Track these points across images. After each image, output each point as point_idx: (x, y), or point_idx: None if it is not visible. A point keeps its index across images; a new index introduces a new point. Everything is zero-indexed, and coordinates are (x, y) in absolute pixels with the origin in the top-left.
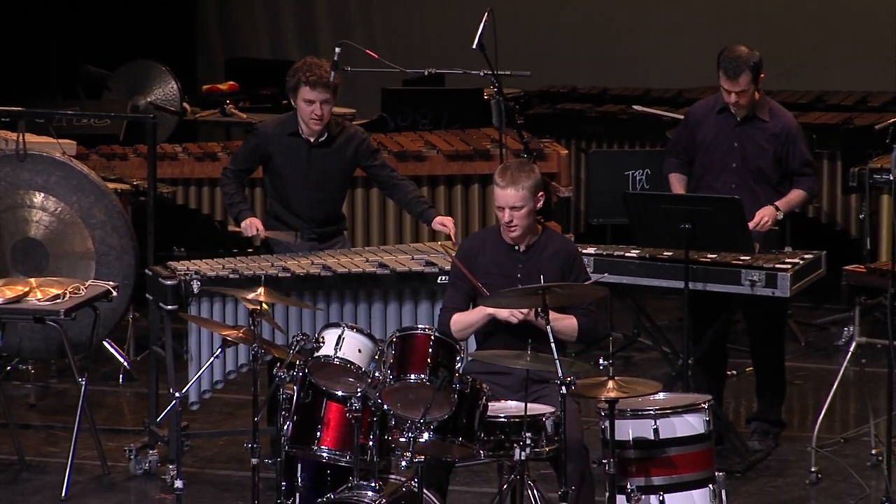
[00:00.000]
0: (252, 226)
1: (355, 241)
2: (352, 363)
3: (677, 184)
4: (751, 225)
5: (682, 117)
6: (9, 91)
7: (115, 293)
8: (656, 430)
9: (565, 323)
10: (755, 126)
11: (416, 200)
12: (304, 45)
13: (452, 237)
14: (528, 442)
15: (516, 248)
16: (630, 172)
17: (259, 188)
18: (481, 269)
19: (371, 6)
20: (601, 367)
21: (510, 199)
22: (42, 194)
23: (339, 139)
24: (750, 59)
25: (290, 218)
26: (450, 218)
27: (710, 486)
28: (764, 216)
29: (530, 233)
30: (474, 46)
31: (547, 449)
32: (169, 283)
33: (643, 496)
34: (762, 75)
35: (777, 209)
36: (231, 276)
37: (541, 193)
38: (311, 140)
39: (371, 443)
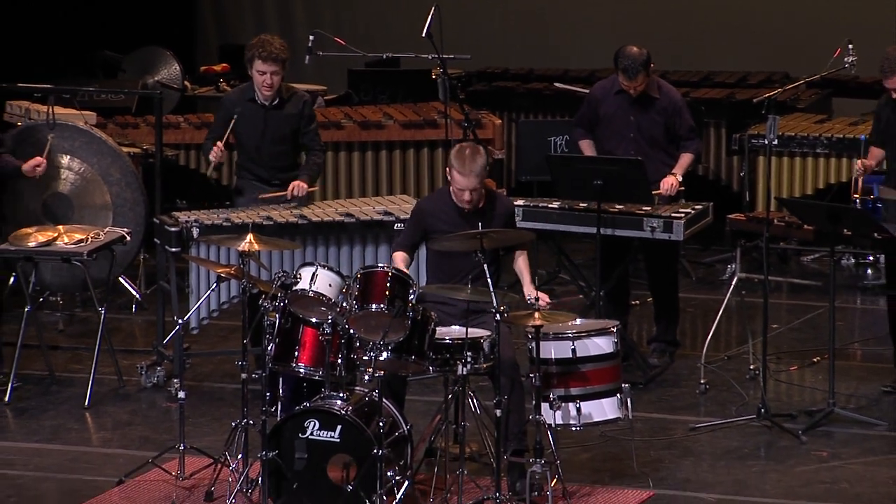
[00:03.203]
0: (215, 151)
1: (327, 195)
2: (324, 295)
3: (588, 148)
4: (663, 191)
5: None
6: (39, 72)
7: (128, 238)
8: (574, 350)
9: (522, 260)
10: (647, 102)
11: (305, 165)
12: (283, 33)
13: (299, 193)
14: (469, 360)
15: (465, 210)
16: (552, 138)
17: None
18: (437, 229)
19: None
20: (528, 302)
21: (469, 183)
22: (68, 156)
23: (289, 102)
24: (641, 58)
25: (256, 169)
26: (299, 184)
27: (618, 395)
28: (672, 183)
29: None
30: (424, 35)
31: (484, 365)
32: (173, 229)
33: (563, 404)
34: (651, 65)
35: (675, 175)
36: (224, 224)
37: (488, 170)
38: (267, 104)
39: (340, 361)
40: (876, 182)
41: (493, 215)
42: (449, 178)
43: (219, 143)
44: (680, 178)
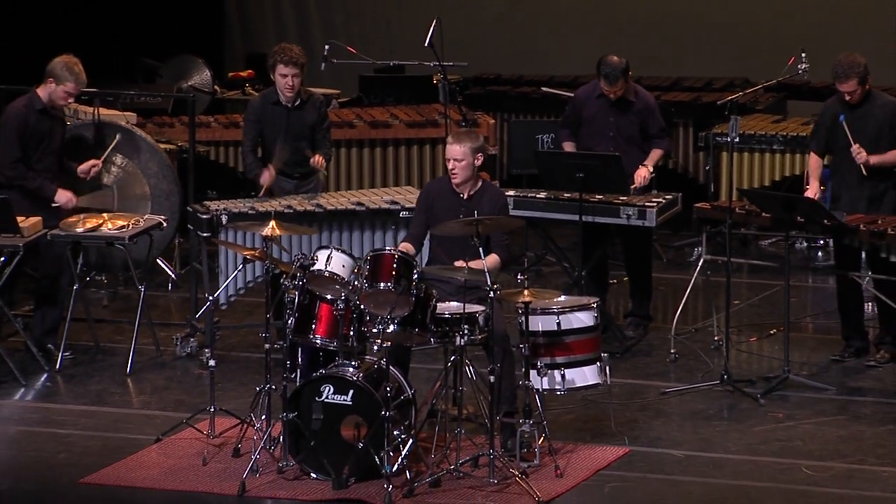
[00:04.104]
0: (265, 175)
1: (339, 186)
2: (337, 275)
3: (570, 149)
4: (636, 181)
5: None
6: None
7: (165, 224)
8: (558, 323)
9: (492, 262)
10: (625, 105)
11: (321, 151)
12: (302, 42)
13: (320, 167)
14: (466, 332)
15: (461, 195)
16: (540, 136)
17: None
18: (436, 212)
19: (351, 13)
20: (518, 281)
21: (454, 152)
22: (120, 155)
23: (308, 104)
24: (620, 66)
25: (278, 163)
26: (321, 159)
27: (598, 363)
28: (643, 174)
29: (471, 182)
30: (426, 44)
31: (479, 337)
32: (204, 216)
33: (549, 371)
34: (629, 73)
35: (646, 166)
36: (250, 212)
37: (479, 154)
38: (289, 106)
39: (352, 333)
40: (824, 177)
41: (485, 201)
42: None
43: (270, 169)
44: (651, 169)
